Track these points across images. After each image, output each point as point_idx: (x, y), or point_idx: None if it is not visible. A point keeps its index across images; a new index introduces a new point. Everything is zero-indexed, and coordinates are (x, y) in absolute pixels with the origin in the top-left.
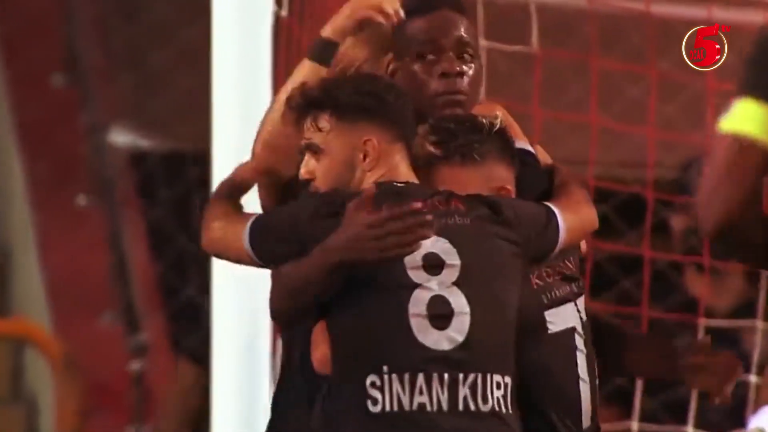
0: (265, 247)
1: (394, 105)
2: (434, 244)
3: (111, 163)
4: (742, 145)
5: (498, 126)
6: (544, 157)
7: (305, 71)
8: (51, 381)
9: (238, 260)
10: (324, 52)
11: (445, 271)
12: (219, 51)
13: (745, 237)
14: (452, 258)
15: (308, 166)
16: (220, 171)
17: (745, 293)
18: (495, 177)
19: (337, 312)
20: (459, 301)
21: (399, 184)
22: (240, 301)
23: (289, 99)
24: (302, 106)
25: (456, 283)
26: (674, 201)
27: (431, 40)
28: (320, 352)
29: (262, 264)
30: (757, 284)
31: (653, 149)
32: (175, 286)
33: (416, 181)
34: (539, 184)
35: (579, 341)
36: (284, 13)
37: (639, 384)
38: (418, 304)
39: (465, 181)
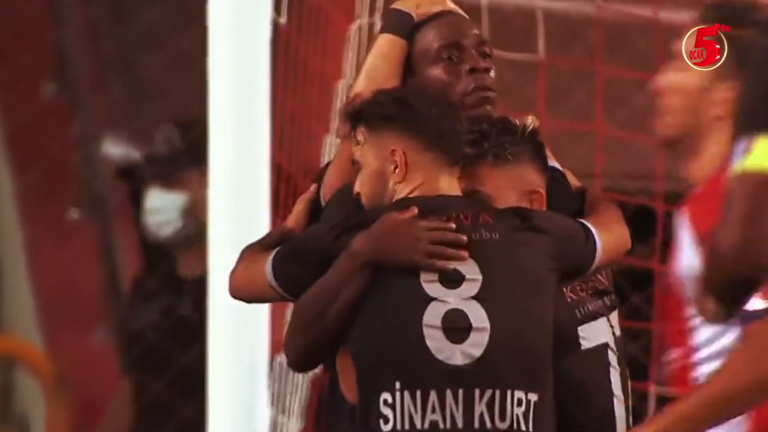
0: (289, 274)
1: (422, 111)
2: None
3: (102, 174)
4: None
5: (531, 128)
6: (572, 180)
7: (389, 44)
8: (42, 400)
9: (264, 297)
10: (407, 26)
11: (464, 285)
12: (215, 58)
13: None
14: (473, 273)
15: (357, 182)
16: (217, 182)
17: None
18: (527, 180)
19: (352, 328)
20: (478, 315)
21: (427, 198)
22: (237, 315)
23: (340, 114)
24: (348, 122)
25: (476, 297)
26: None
27: (452, 42)
28: (349, 379)
29: (287, 296)
30: None
31: (662, 159)
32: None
33: (455, 194)
34: (571, 203)
35: (612, 358)
36: (283, 20)
37: (651, 403)
38: (433, 317)
39: (497, 183)
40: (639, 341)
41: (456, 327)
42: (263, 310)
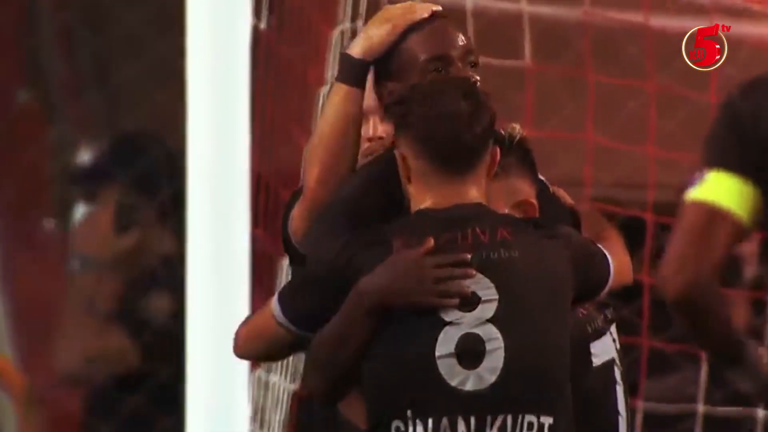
0: (298, 307)
1: (414, 117)
2: (470, 280)
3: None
4: (716, 216)
5: (518, 137)
6: (566, 198)
7: (342, 95)
8: (14, 415)
9: (275, 343)
10: (359, 73)
11: (480, 308)
12: (194, 65)
13: (706, 313)
14: (489, 294)
15: None
16: (195, 191)
17: (750, 323)
18: (517, 191)
19: (365, 354)
20: (493, 339)
21: (442, 211)
22: (216, 329)
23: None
24: None
25: (491, 320)
26: (675, 224)
27: (439, 55)
28: (359, 405)
29: (301, 332)
30: (763, 313)
31: (653, 169)
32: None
33: (474, 201)
34: (560, 217)
35: (617, 373)
36: (263, 25)
37: (639, 419)
38: (446, 343)
39: (487, 196)
40: (628, 356)
41: (470, 352)
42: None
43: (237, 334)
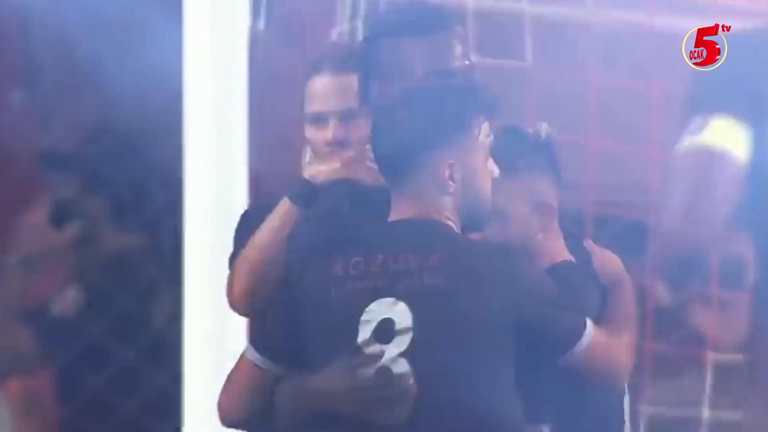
0: (272, 339)
1: (372, 123)
2: (392, 308)
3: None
4: (724, 159)
5: (545, 136)
6: (610, 264)
7: (286, 214)
8: (10, 422)
9: (261, 390)
10: (310, 196)
11: (395, 340)
12: (191, 66)
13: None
14: (405, 323)
15: None
16: (192, 197)
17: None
18: (537, 191)
19: (284, 384)
20: (404, 374)
21: (390, 225)
22: (213, 332)
23: None
24: None
25: (404, 354)
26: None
27: (439, 70)
28: None
29: (280, 367)
30: None
31: (656, 172)
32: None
33: (427, 217)
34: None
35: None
36: (261, 26)
37: (642, 423)
38: (364, 374)
39: (506, 195)
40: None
41: (382, 386)
42: (240, 326)
43: (220, 403)
